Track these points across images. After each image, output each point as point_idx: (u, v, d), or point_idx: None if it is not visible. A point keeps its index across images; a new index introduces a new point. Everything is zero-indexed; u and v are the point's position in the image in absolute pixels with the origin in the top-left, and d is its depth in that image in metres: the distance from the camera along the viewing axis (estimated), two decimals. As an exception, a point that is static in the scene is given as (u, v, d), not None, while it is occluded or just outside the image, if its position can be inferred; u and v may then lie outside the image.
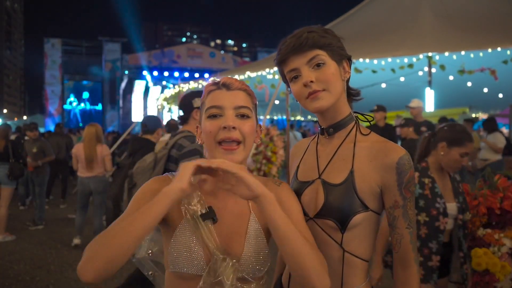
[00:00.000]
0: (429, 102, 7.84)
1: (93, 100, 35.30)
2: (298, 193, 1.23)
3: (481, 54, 7.25)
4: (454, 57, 7.33)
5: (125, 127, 22.44)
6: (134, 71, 33.58)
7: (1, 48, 68.49)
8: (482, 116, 12.84)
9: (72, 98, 34.63)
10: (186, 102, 2.80)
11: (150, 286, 1.50)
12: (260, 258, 1.08)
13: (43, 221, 6.52)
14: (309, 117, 18.46)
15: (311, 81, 1.12)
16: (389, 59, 7.58)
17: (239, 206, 1.13)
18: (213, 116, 1.08)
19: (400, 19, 8.90)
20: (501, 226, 2.32)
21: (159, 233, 1.19)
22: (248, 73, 9.24)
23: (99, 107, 35.17)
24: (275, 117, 19.05)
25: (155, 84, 31.36)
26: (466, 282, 2.18)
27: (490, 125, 6.83)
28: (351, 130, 1.21)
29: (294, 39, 1.13)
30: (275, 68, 1.25)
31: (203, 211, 1.07)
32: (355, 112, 1.26)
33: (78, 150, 5.35)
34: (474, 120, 8.08)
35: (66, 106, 34.34)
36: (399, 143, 5.30)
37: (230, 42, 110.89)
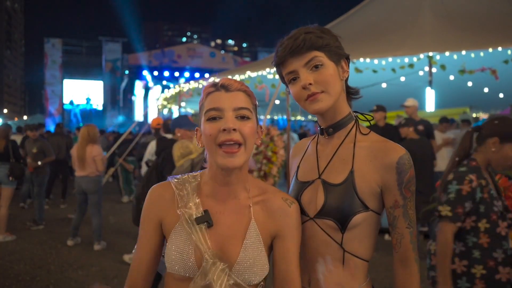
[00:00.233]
0: (429, 102, 7.83)
1: (93, 100, 35.32)
2: (298, 193, 1.23)
3: (481, 54, 7.23)
4: (455, 57, 7.31)
5: (125, 127, 22.45)
6: (134, 71, 33.62)
7: (1, 48, 68.55)
8: (483, 116, 12.83)
9: (72, 98, 34.64)
10: None
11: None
12: (256, 265, 1.06)
13: (43, 221, 6.52)
14: (309, 117, 18.45)
15: (310, 84, 1.12)
16: (390, 59, 7.56)
17: (239, 211, 1.11)
18: (212, 119, 1.06)
19: (400, 19, 8.88)
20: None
21: None
22: (248, 73, 9.22)
23: (99, 107, 35.19)
24: (275, 117, 19.05)
25: (155, 84, 31.38)
26: None
27: None
28: (351, 129, 1.21)
29: (291, 41, 1.13)
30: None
31: (199, 214, 1.07)
32: (354, 112, 1.26)
33: (73, 150, 5.54)
34: (471, 121, 8.08)
35: (66, 106, 34.35)
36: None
37: (231, 42, 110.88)
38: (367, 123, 1.28)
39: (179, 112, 13.29)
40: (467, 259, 1.89)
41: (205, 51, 35.48)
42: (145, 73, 32.18)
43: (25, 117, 36.52)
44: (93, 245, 5.31)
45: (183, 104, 13.46)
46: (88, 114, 34.12)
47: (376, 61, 7.67)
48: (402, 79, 7.79)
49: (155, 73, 32.43)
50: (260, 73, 8.91)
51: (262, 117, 6.87)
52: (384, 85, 8.05)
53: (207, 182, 1.14)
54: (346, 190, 1.12)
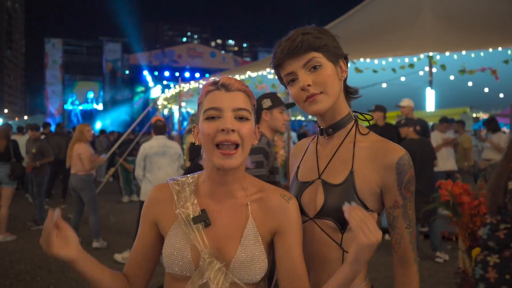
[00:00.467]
0: (430, 102, 7.83)
1: (93, 100, 35.32)
2: (298, 193, 1.23)
3: (482, 54, 7.24)
4: (455, 57, 7.32)
5: (125, 127, 22.44)
6: (135, 71, 33.62)
7: (1, 48, 68.56)
8: (483, 116, 12.83)
9: (73, 98, 34.65)
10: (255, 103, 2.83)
11: None
12: (255, 264, 1.05)
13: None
14: (310, 117, 18.45)
15: (309, 85, 1.12)
16: (390, 59, 7.56)
17: (237, 210, 1.11)
18: (211, 118, 1.06)
19: (400, 19, 8.89)
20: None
21: None
22: (248, 73, 9.23)
23: (99, 107, 35.19)
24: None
25: (155, 84, 31.37)
26: None
27: (494, 125, 6.84)
28: (351, 129, 1.21)
29: (289, 42, 1.12)
30: (276, 68, 1.23)
31: (196, 214, 1.07)
32: (354, 112, 1.26)
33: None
34: (465, 121, 8.11)
35: (67, 106, 34.36)
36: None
37: (231, 42, 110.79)
38: (367, 123, 1.28)
39: (179, 112, 13.28)
40: None
41: (206, 51, 35.47)
42: (146, 73, 32.18)
43: (25, 117, 36.52)
44: (92, 243, 5.32)
45: (183, 104, 13.46)
46: (89, 114, 34.13)
47: (376, 61, 7.68)
48: (402, 79, 7.79)
49: (156, 73, 32.43)
50: (260, 73, 8.92)
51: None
52: (384, 85, 8.05)
53: (204, 181, 1.14)
54: (346, 191, 1.13)
